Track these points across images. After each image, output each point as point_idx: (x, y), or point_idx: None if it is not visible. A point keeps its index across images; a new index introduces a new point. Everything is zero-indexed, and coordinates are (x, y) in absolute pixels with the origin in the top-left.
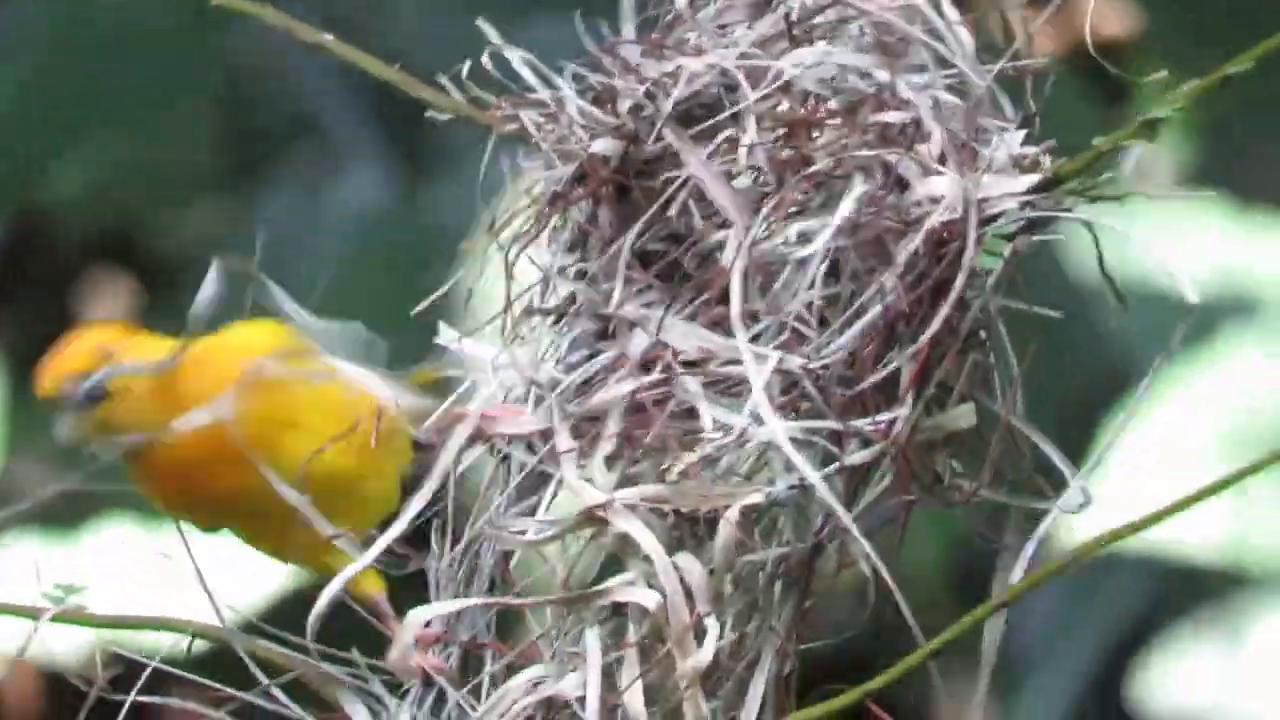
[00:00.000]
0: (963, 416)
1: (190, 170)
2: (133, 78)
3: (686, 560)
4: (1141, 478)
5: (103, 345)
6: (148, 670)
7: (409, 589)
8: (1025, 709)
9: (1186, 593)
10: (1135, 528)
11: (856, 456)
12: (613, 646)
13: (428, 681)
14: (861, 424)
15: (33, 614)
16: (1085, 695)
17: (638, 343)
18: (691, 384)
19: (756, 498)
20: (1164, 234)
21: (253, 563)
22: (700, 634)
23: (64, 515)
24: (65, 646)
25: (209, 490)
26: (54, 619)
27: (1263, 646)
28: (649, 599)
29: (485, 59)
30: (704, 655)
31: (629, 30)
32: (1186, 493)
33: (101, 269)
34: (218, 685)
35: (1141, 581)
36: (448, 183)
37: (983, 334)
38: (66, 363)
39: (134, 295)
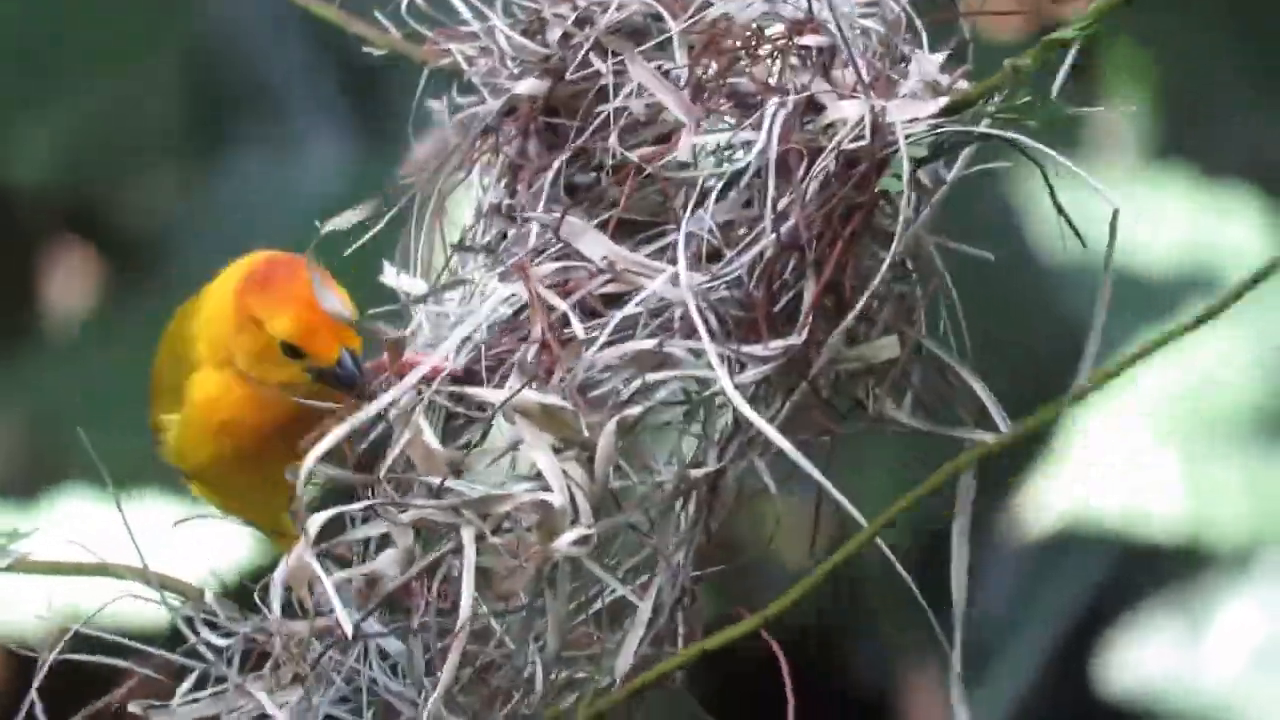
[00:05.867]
0: (886, 348)
1: (151, 139)
2: (93, 45)
3: (570, 466)
4: (1101, 452)
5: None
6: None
7: None
8: (988, 688)
9: (1148, 572)
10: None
11: (746, 376)
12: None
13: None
14: (754, 349)
15: (105, 571)
16: (1048, 674)
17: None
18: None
19: (634, 410)
20: (1127, 207)
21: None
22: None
23: (22, 485)
24: (20, 619)
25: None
26: (123, 576)
27: (1224, 626)
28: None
29: None
30: (569, 535)
31: None
32: (1144, 470)
33: (62, 238)
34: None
35: (1103, 561)
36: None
37: (909, 264)
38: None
39: (94, 264)
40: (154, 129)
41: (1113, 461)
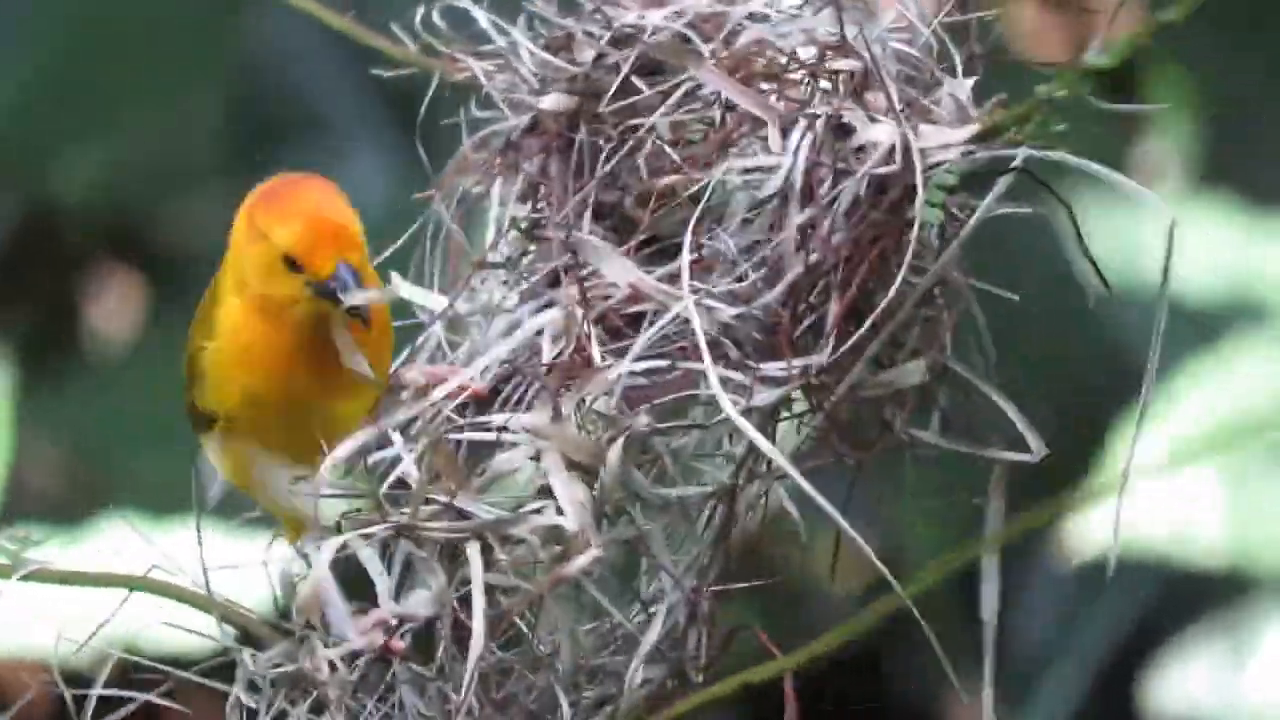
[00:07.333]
0: (913, 373)
1: (196, 163)
2: (140, 71)
3: (583, 489)
4: (1147, 479)
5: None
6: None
7: None
8: (1033, 713)
9: (1192, 597)
10: None
11: (763, 397)
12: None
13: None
14: (770, 368)
15: (125, 582)
16: (1092, 699)
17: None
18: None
19: (641, 427)
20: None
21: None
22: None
23: (65, 508)
24: (72, 651)
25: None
26: (141, 588)
27: (1268, 651)
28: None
29: (436, 9)
30: (581, 559)
31: None
32: (1188, 496)
33: (107, 262)
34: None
35: (1146, 585)
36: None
37: (936, 291)
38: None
39: (139, 289)
40: (198, 153)
41: (1157, 487)
